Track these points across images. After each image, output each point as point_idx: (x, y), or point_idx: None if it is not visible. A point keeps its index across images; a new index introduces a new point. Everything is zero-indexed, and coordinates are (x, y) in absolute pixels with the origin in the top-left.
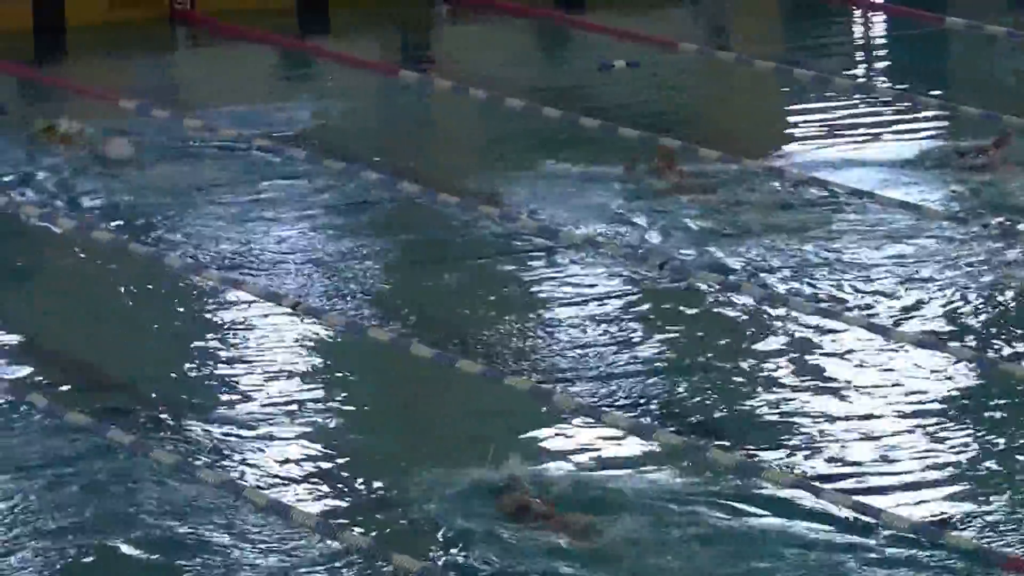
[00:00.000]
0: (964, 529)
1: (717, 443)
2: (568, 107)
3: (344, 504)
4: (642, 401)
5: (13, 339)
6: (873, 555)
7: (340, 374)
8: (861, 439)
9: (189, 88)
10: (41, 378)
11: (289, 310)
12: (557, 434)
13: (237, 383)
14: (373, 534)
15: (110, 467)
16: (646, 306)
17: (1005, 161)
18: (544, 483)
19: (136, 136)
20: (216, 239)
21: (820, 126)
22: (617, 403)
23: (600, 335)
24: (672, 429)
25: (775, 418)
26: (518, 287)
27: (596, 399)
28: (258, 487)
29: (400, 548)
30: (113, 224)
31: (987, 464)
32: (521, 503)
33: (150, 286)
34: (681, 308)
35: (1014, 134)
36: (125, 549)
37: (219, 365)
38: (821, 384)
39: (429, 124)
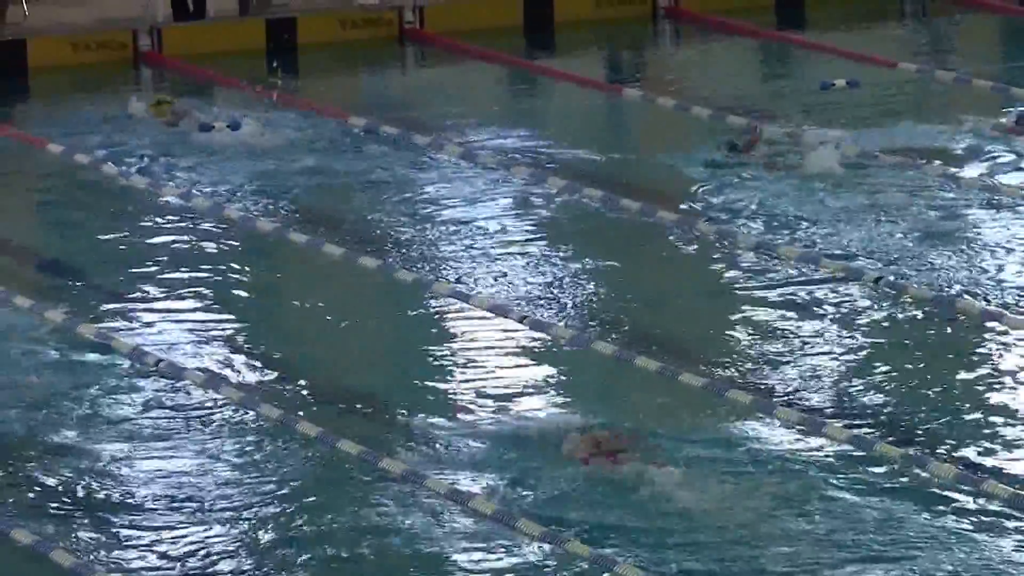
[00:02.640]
0: None
1: (934, 455)
2: (790, 125)
3: (571, 513)
4: (864, 414)
5: (246, 349)
6: None
7: (565, 388)
8: None
9: (416, 106)
10: (274, 389)
11: (516, 323)
12: (774, 446)
13: (465, 394)
14: (596, 547)
15: (339, 478)
16: (863, 320)
17: None
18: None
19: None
20: (444, 253)
21: None
22: (840, 416)
23: (814, 346)
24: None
25: (989, 430)
26: (738, 301)
27: (818, 413)
28: (484, 496)
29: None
30: (346, 239)
31: None
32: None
33: (381, 299)
34: (895, 322)
35: None
36: (364, 560)
37: (447, 377)
38: None
39: (652, 142)
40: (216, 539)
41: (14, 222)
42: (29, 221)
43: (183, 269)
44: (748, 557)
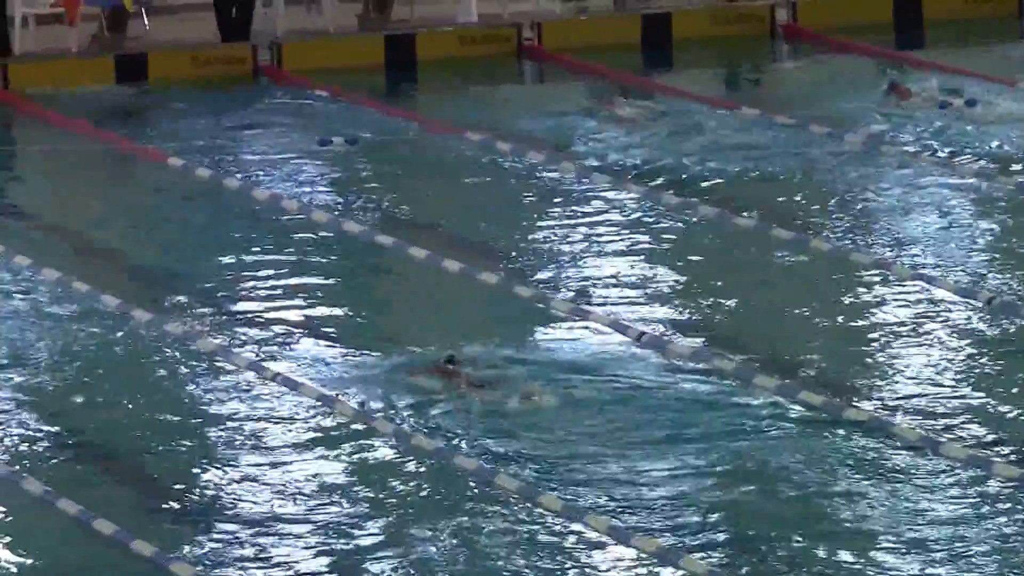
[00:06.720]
0: None
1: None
2: (910, 144)
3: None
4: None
5: (363, 364)
6: None
7: (679, 405)
8: None
9: (533, 121)
10: (390, 404)
11: (633, 340)
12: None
13: (575, 410)
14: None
15: (454, 493)
16: (971, 340)
17: None
18: None
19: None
20: (562, 270)
21: None
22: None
23: (920, 364)
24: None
25: None
26: (843, 314)
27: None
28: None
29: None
30: (464, 255)
31: None
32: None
33: (499, 314)
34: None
35: None
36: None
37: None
38: None
39: (766, 159)
40: (329, 552)
41: (136, 235)
42: (150, 234)
43: (303, 283)
44: None
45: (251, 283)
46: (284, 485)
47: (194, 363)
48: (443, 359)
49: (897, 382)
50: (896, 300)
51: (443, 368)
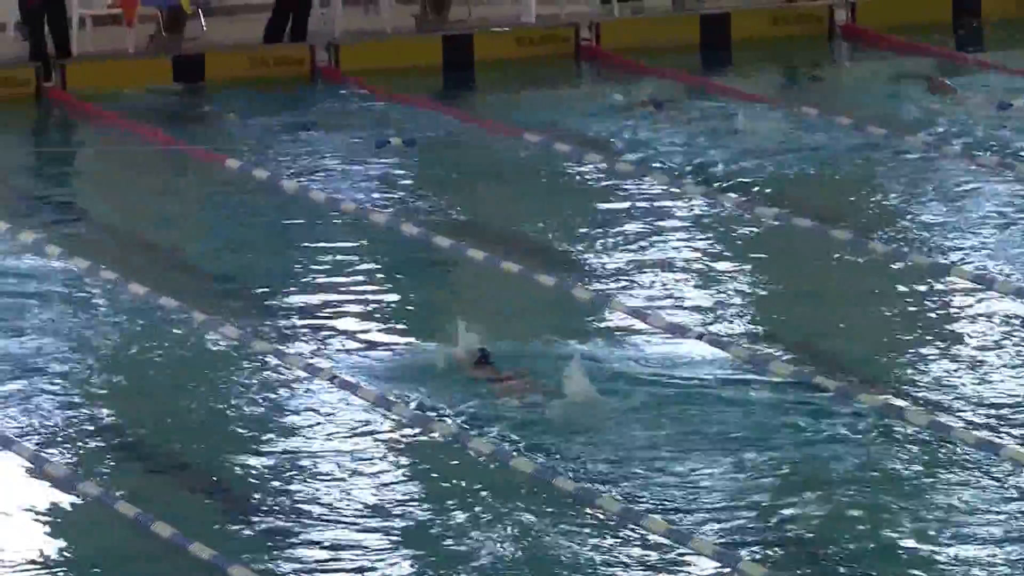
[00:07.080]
0: None
1: None
2: (969, 144)
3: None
4: None
5: (419, 367)
6: None
7: (740, 406)
8: None
9: (590, 122)
10: (446, 406)
11: (695, 339)
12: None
13: (633, 412)
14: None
15: (512, 496)
16: None
17: None
18: None
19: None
20: (619, 271)
21: None
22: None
23: (981, 367)
24: None
25: None
26: (902, 316)
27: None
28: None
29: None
30: (522, 256)
31: None
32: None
33: (559, 316)
34: None
35: None
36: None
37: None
38: None
39: (825, 160)
40: (386, 554)
41: (193, 237)
42: (207, 235)
43: (360, 285)
44: None
45: (308, 284)
46: (342, 488)
47: (251, 365)
48: (476, 354)
49: (958, 385)
50: (956, 302)
51: (475, 364)
